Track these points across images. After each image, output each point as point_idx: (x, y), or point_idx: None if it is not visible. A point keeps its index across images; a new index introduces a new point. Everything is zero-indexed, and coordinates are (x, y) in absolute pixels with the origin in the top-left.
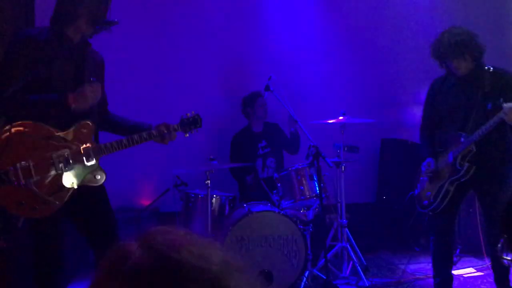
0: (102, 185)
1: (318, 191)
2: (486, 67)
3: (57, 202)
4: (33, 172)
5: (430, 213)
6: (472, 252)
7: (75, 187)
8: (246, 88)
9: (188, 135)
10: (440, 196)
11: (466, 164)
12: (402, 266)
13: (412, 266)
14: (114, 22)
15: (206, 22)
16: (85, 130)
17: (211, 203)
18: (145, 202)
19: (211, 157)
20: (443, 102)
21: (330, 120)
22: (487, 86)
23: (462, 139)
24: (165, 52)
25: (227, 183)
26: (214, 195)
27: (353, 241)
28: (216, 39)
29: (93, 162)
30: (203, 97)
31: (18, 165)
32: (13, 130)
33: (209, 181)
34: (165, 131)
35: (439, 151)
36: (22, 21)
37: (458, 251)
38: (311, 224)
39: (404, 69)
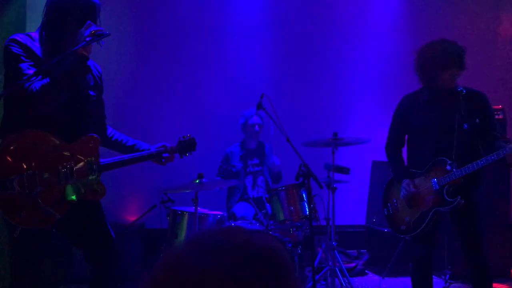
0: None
1: (307, 212)
2: (459, 89)
3: (56, 214)
4: (38, 182)
5: (407, 238)
6: (462, 278)
7: (76, 200)
8: (238, 106)
9: (182, 157)
10: (424, 224)
11: (458, 197)
12: None
13: None
14: (105, 35)
15: (201, 38)
16: (91, 144)
17: (198, 221)
18: (131, 218)
19: (200, 173)
20: (416, 118)
21: (321, 140)
22: (463, 107)
23: (449, 167)
24: (157, 68)
25: (215, 200)
26: (202, 214)
27: (342, 263)
28: (211, 56)
29: (95, 176)
30: (194, 113)
31: (24, 173)
32: (22, 138)
33: (196, 199)
34: (166, 153)
35: (414, 172)
36: (13, 27)
37: (447, 276)
38: (300, 246)
39: (397, 91)
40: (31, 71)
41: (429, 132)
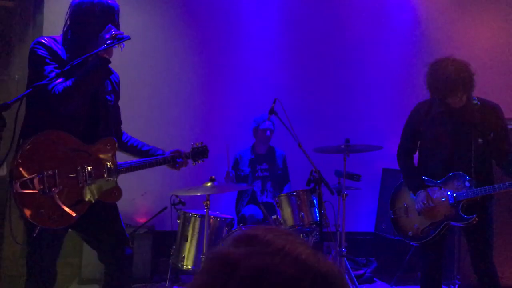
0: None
1: (318, 218)
2: (474, 100)
3: (74, 215)
4: (57, 182)
5: (414, 245)
6: None
7: (93, 201)
8: (250, 110)
9: (195, 164)
10: (432, 236)
11: (474, 216)
12: None
13: None
14: (125, 38)
15: (214, 42)
16: (108, 146)
17: (209, 224)
18: (141, 219)
19: (212, 176)
20: (429, 128)
21: (333, 146)
22: (477, 121)
23: (467, 184)
24: (169, 71)
25: (224, 203)
26: (212, 217)
27: (351, 270)
28: (223, 61)
29: (112, 179)
30: (206, 116)
31: (45, 173)
32: (43, 138)
33: (208, 202)
34: (180, 158)
35: (427, 180)
36: (31, 29)
37: (457, 286)
38: None
39: (409, 99)
40: (54, 73)
41: (442, 143)
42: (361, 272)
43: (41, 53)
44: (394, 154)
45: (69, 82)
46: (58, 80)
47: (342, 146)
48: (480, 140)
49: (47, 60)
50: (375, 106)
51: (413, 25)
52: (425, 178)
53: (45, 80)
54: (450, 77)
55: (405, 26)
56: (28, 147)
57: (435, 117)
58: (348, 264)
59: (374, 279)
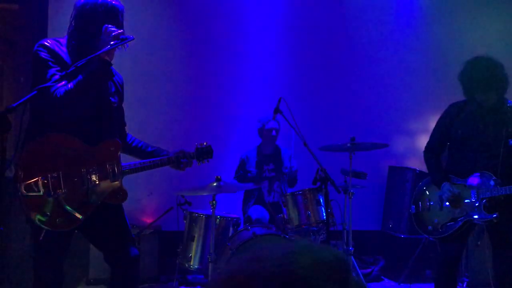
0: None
1: (324, 217)
2: (509, 104)
3: (80, 217)
4: (62, 184)
5: (431, 239)
6: (480, 286)
7: (98, 203)
8: (256, 109)
9: (200, 164)
10: (452, 230)
11: (496, 214)
12: None
13: None
14: (129, 39)
15: (218, 41)
16: (112, 148)
17: (215, 224)
18: (148, 220)
19: (218, 176)
20: (459, 128)
21: (339, 145)
22: (510, 122)
23: (492, 182)
24: (172, 70)
25: (231, 203)
26: (218, 216)
27: (358, 269)
28: (228, 60)
29: (117, 180)
30: (212, 116)
31: (49, 176)
32: (47, 141)
33: (214, 202)
34: (184, 158)
35: (453, 178)
36: (36, 32)
37: (465, 284)
38: None
39: (414, 97)
40: (57, 76)
41: (471, 144)
42: (369, 270)
43: (43, 56)
44: (400, 152)
45: (70, 85)
46: (61, 83)
47: (348, 144)
48: (511, 141)
49: (50, 63)
50: (380, 104)
51: (420, 23)
52: (452, 176)
53: (47, 83)
54: (479, 74)
55: (411, 24)
56: (31, 150)
57: (466, 117)
58: (355, 263)
59: (382, 277)
